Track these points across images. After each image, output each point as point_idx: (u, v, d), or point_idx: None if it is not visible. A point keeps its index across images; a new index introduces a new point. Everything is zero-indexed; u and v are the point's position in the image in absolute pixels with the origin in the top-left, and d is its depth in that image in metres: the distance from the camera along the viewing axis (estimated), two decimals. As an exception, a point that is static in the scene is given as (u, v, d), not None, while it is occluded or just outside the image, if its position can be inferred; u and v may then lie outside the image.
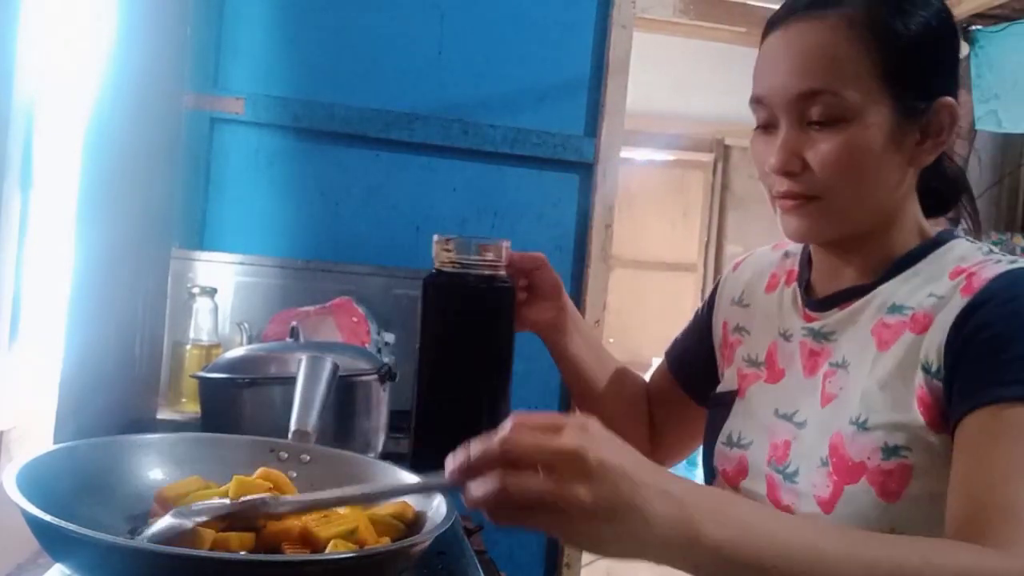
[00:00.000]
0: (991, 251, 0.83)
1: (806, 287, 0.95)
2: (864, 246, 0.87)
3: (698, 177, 3.80)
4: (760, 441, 0.91)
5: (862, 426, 0.80)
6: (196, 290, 1.68)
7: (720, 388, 1.02)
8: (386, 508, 0.82)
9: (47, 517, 0.65)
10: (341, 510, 0.78)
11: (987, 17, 3.41)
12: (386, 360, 1.33)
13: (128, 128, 1.25)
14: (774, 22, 0.86)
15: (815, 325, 0.91)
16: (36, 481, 0.72)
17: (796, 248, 1.00)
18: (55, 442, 1.05)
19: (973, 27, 3.50)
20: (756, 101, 0.86)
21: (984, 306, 0.75)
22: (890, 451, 0.78)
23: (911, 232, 0.87)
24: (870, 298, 0.86)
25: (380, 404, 1.25)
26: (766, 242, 1.06)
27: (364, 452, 1.13)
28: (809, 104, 0.81)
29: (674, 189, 3.80)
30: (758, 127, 0.87)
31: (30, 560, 0.92)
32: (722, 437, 0.96)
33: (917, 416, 0.78)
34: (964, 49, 3.48)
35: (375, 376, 1.23)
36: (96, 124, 1.15)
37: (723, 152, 3.72)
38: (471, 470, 0.57)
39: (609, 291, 2.16)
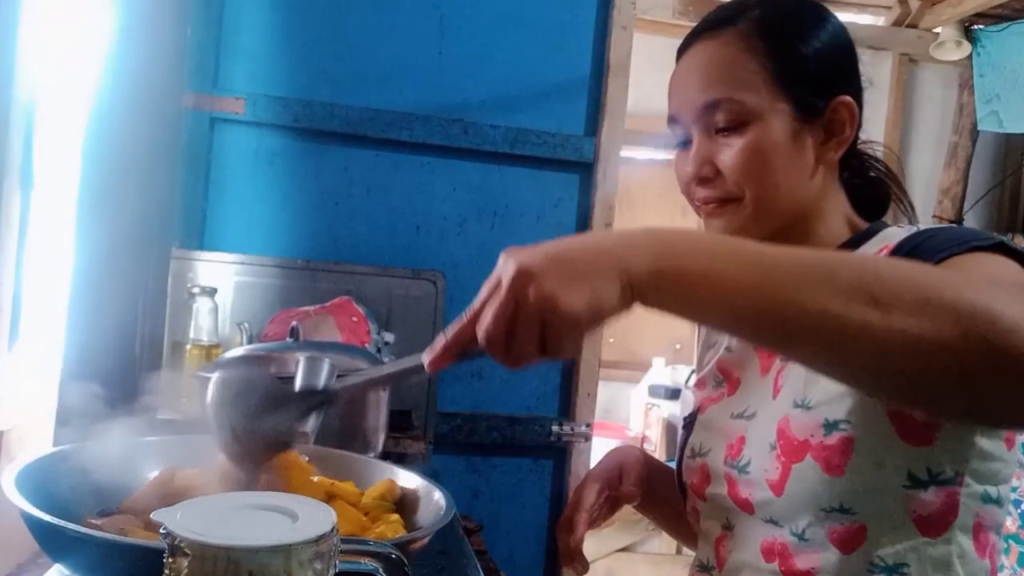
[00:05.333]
0: (919, 230, 0.84)
1: None
2: (796, 244, 0.88)
3: (698, 177, 3.81)
4: (718, 446, 0.93)
5: (805, 406, 0.82)
6: (196, 290, 1.67)
7: (686, 412, 1.06)
8: (371, 492, 0.83)
9: (46, 517, 0.65)
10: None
11: (988, 17, 3.41)
12: (386, 360, 1.33)
13: (128, 128, 1.25)
14: (681, 48, 0.93)
15: None
16: (36, 482, 0.72)
17: None
18: (55, 442, 1.06)
19: (975, 27, 3.50)
20: (671, 120, 0.92)
21: (906, 240, 0.79)
22: (831, 426, 0.80)
23: (840, 226, 0.91)
24: None
25: (380, 404, 1.25)
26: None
27: (364, 452, 1.13)
28: (713, 113, 0.87)
29: (673, 188, 3.79)
30: (676, 145, 0.93)
31: (30, 560, 0.92)
32: (687, 452, 0.98)
33: None
34: (966, 49, 3.48)
35: (375, 376, 1.23)
36: (96, 124, 1.15)
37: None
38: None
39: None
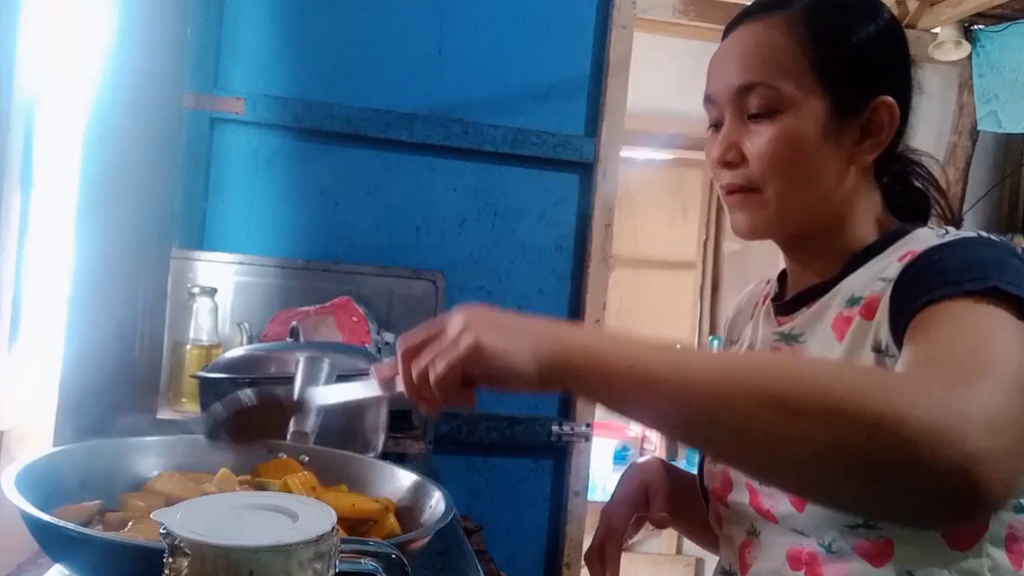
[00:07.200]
0: (947, 232, 0.82)
1: (777, 296, 0.97)
2: (822, 244, 0.88)
3: (696, 175, 3.81)
4: None
5: None
6: (196, 290, 1.68)
7: None
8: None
9: (46, 517, 0.65)
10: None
11: (988, 17, 3.40)
12: (386, 360, 1.33)
13: (127, 128, 1.25)
14: (727, 29, 0.90)
15: (784, 328, 0.92)
16: (36, 482, 0.72)
17: (775, 272, 1.02)
18: (55, 443, 1.06)
19: (974, 27, 3.49)
20: (707, 100, 0.90)
21: (917, 259, 0.78)
22: None
23: (869, 227, 0.88)
24: (833, 294, 0.86)
25: (380, 404, 1.25)
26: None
27: (364, 452, 1.13)
28: (747, 96, 0.85)
29: (673, 187, 3.79)
30: (710, 126, 0.91)
31: (30, 560, 0.92)
32: (708, 458, 0.97)
33: None
34: (966, 49, 3.47)
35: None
36: (96, 124, 1.15)
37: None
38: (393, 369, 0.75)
39: (609, 291, 2.16)
